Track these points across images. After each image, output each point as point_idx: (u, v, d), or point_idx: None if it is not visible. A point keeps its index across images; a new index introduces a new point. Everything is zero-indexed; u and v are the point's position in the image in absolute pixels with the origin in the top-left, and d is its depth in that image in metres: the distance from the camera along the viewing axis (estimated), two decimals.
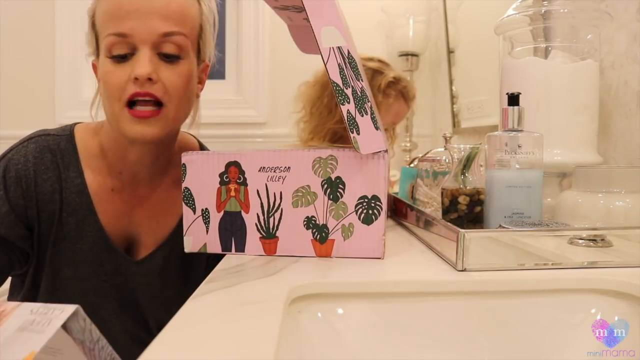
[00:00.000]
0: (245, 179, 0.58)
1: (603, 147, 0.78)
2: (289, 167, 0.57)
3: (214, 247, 0.60)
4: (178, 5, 0.68)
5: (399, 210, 0.85)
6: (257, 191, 0.58)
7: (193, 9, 0.71)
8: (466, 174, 0.65)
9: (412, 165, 0.98)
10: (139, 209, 0.78)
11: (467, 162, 0.65)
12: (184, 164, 0.60)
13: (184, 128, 0.79)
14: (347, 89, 0.52)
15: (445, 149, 0.75)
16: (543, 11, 0.73)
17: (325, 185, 0.56)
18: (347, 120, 0.53)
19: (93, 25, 0.71)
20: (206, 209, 0.60)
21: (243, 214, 0.59)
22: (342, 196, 0.56)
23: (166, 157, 0.78)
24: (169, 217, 0.79)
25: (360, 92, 0.52)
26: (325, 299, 0.46)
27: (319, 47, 0.52)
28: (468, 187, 0.64)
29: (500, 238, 0.52)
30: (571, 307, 0.47)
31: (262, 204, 0.58)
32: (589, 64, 0.72)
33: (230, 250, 0.59)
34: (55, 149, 0.73)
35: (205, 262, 0.84)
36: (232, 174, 0.59)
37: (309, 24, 0.51)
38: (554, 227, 0.53)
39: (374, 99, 1.24)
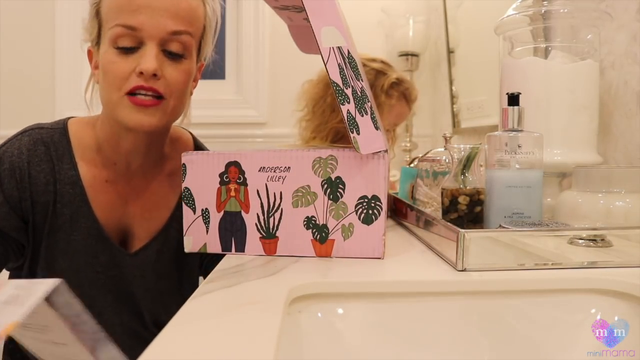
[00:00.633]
0: (245, 179, 0.58)
1: (603, 147, 0.78)
2: (289, 167, 0.57)
3: (214, 247, 0.60)
4: (187, 4, 0.70)
5: (399, 210, 0.85)
6: (257, 191, 0.58)
7: (200, 9, 0.72)
8: (466, 174, 0.65)
9: (412, 165, 0.98)
10: (132, 201, 0.79)
11: (467, 162, 0.65)
12: (184, 164, 0.60)
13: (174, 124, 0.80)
14: (347, 89, 0.52)
15: (445, 149, 0.75)
16: (543, 11, 0.73)
17: (325, 185, 0.56)
18: (347, 120, 0.53)
19: (97, 13, 0.72)
20: (206, 209, 0.60)
21: (243, 214, 0.59)
22: (342, 196, 0.56)
23: (159, 148, 0.80)
24: (162, 210, 0.80)
25: (360, 92, 0.52)
26: (325, 299, 0.46)
27: (319, 47, 0.52)
28: (468, 187, 0.64)
29: (500, 238, 0.52)
30: (571, 307, 0.47)
31: (262, 204, 0.58)
32: (588, 64, 0.72)
33: (230, 250, 0.59)
34: (48, 141, 0.74)
35: (199, 255, 0.85)
36: (232, 174, 0.59)
37: (309, 24, 0.51)
38: (554, 227, 0.53)
39: (377, 100, 1.24)
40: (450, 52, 1.63)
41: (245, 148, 0.87)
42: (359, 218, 0.56)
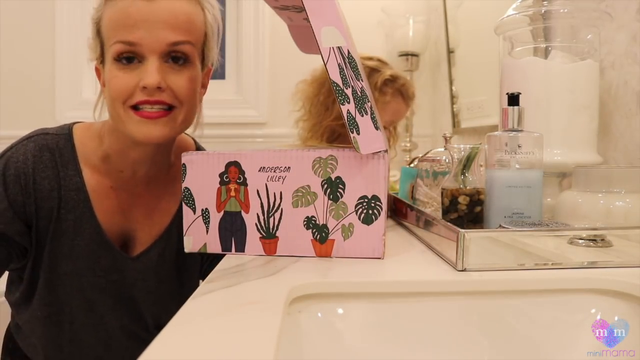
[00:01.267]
0: (245, 179, 0.58)
1: (603, 147, 0.78)
2: (289, 167, 0.57)
3: (214, 247, 0.60)
4: (185, 15, 0.69)
5: (399, 210, 0.85)
6: (257, 191, 0.58)
7: (199, 18, 0.72)
8: (466, 174, 0.65)
9: (412, 165, 0.98)
10: (135, 207, 0.79)
11: (467, 162, 0.65)
12: (184, 164, 0.60)
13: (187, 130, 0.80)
14: (347, 89, 0.52)
15: (445, 149, 0.75)
16: (543, 11, 0.73)
17: (325, 185, 0.56)
18: (347, 120, 0.53)
19: (98, 32, 0.72)
20: (206, 209, 0.60)
21: (243, 214, 0.59)
22: (342, 196, 0.56)
23: (166, 156, 0.80)
24: (164, 214, 0.81)
25: (360, 92, 0.52)
26: (325, 299, 0.46)
27: (319, 47, 0.52)
28: (468, 187, 0.64)
29: (500, 238, 0.52)
30: (571, 307, 0.47)
31: (262, 204, 0.58)
32: (588, 64, 0.72)
33: (230, 250, 0.59)
34: (53, 147, 0.75)
35: (200, 258, 0.86)
36: (232, 174, 0.59)
37: (309, 24, 0.51)
38: (554, 227, 0.53)
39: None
40: (450, 52, 1.63)
41: (245, 148, 0.87)
42: (359, 218, 0.56)
